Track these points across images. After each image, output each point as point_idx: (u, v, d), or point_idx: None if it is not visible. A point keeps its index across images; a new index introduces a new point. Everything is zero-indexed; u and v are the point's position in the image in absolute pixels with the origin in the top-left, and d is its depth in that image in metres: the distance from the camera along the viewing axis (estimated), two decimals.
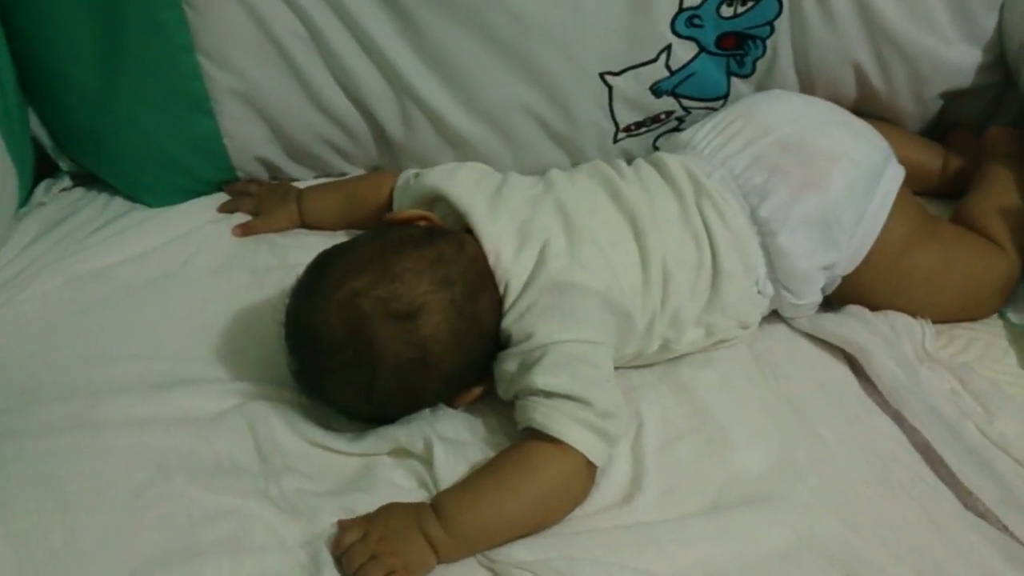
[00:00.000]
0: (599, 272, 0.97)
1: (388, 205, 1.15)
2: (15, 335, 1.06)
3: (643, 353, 1.02)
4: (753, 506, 0.91)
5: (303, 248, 1.15)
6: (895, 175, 1.07)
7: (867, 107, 1.23)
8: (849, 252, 1.04)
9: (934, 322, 1.07)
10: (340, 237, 1.17)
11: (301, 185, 1.25)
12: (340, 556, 0.86)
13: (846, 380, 1.03)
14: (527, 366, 0.93)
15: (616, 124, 1.22)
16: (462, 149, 1.21)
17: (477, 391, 0.99)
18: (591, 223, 1.00)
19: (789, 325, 1.08)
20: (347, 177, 1.26)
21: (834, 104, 1.15)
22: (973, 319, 1.09)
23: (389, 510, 0.89)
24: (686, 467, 0.95)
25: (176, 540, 0.87)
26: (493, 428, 0.99)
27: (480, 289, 0.96)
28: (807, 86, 1.21)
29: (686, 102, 1.21)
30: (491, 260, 0.97)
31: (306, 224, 1.21)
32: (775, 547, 0.88)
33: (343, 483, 0.94)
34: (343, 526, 0.88)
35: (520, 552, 0.86)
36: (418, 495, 0.93)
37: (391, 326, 0.91)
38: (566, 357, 0.93)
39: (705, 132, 1.09)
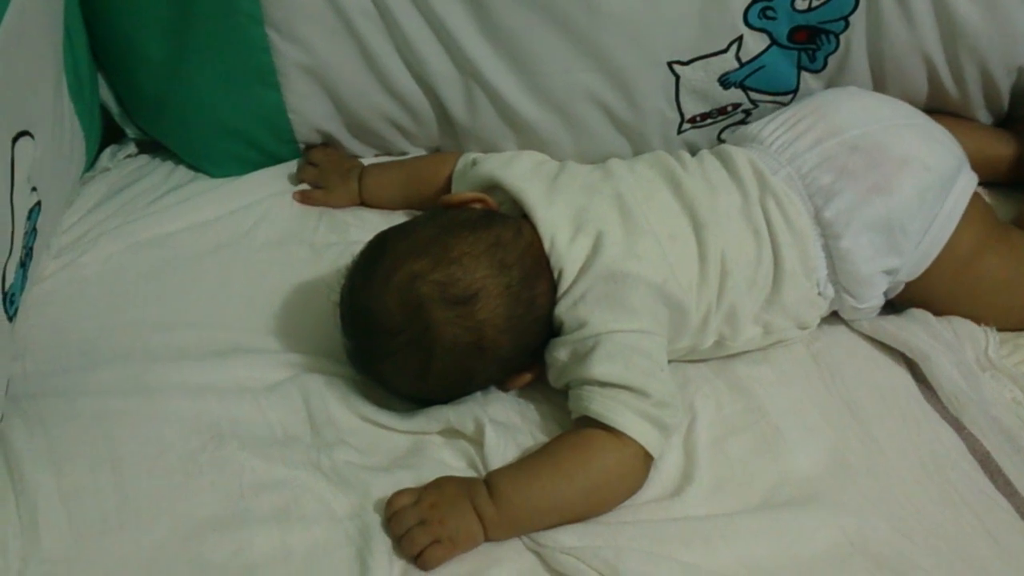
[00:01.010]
0: (656, 264, 0.96)
1: (447, 187, 1.15)
2: (75, 297, 1.08)
3: (697, 348, 1.01)
4: (803, 506, 0.90)
5: (363, 226, 1.17)
6: (968, 183, 1.05)
7: (938, 105, 1.21)
8: (914, 259, 1.02)
9: (999, 329, 1.05)
10: (399, 217, 1.18)
11: (363, 162, 1.25)
12: (390, 518, 0.87)
13: (905, 384, 1.01)
14: (580, 355, 0.93)
15: (682, 114, 1.20)
16: (525, 134, 1.21)
17: (528, 376, 0.98)
18: (649, 214, 0.99)
19: (848, 326, 1.06)
20: (408, 157, 1.25)
21: (909, 105, 1.12)
22: None
23: (443, 482, 0.89)
24: (737, 464, 0.94)
25: (227, 506, 0.88)
26: (545, 415, 0.98)
27: (536, 275, 0.96)
28: (879, 82, 1.19)
29: (754, 95, 1.19)
30: (546, 245, 0.97)
31: (365, 202, 1.21)
32: (824, 548, 0.87)
33: (393, 459, 0.94)
34: (398, 492, 0.88)
35: (567, 538, 0.86)
36: (467, 475, 0.93)
37: (449, 310, 0.91)
38: (620, 347, 0.92)
39: (774, 127, 1.07)
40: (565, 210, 0.99)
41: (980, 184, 1.20)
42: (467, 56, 1.14)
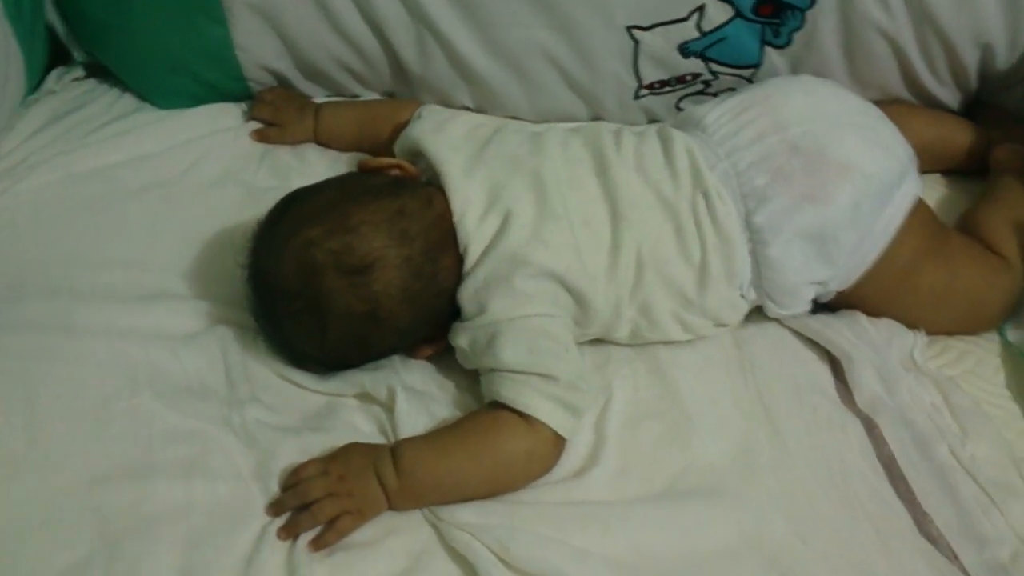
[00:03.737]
0: (561, 251, 0.95)
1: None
2: (7, 228, 1.07)
3: (611, 335, 1.00)
4: (704, 497, 0.90)
5: (305, 171, 1.16)
6: (909, 191, 1.02)
7: (906, 84, 1.19)
8: (845, 270, 1.00)
9: (930, 333, 1.05)
10: (345, 163, 1.17)
11: (317, 100, 1.23)
12: (294, 485, 0.87)
13: (824, 381, 1.01)
14: (483, 343, 0.93)
15: (639, 80, 1.18)
16: (477, 86, 1.19)
17: (430, 349, 0.99)
18: (567, 197, 0.97)
19: None
20: (367, 99, 1.23)
21: (862, 101, 1.09)
22: (972, 333, 1.06)
23: (350, 450, 0.89)
24: (646, 449, 0.94)
25: (135, 456, 0.89)
26: (462, 387, 0.98)
27: (442, 248, 0.95)
28: (847, 61, 1.16)
29: (715, 66, 1.17)
30: (456, 219, 0.95)
31: (319, 140, 1.19)
32: (719, 542, 0.88)
33: (304, 419, 0.95)
34: (303, 463, 0.89)
35: (465, 514, 0.87)
36: (377, 440, 0.93)
37: (342, 279, 0.91)
38: (523, 332, 0.92)
39: (719, 113, 1.04)
40: (481, 185, 0.97)
41: (940, 172, 1.20)
42: (419, 2, 1.11)
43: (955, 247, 1.05)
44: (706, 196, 0.99)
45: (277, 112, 1.19)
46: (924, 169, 1.11)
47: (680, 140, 1.02)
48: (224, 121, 1.20)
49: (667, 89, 1.19)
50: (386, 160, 1.01)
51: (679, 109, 1.22)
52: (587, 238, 0.97)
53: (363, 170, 1.01)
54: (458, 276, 0.96)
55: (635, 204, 0.98)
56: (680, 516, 0.89)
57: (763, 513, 0.89)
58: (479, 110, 1.22)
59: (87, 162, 1.13)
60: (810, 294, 1.02)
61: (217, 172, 1.15)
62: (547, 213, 0.96)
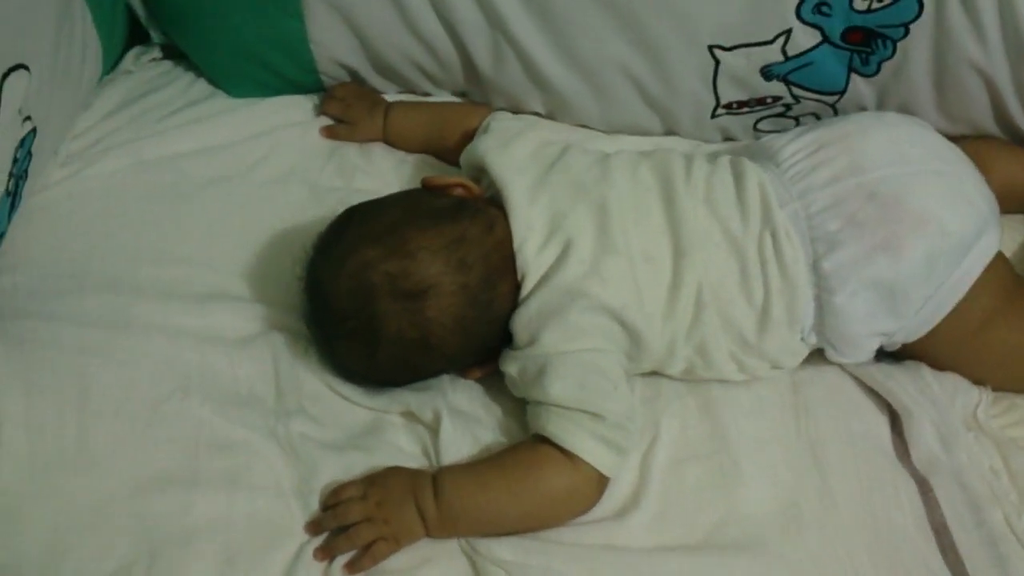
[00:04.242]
0: (620, 287, 0.93)
1: (472, 136, 1.11)
2: (74, 212, 1.08)
3: (664, 371, 0.98)
4: (743, 553, 0.89)
5: (372, 173, 1.15)
6: (987, 247, 0.97)
7: (996, 121, 1.13)
8: (913, 323, 0.97)
9: (997, 390, 1.01)
10: (414, 165, 1.16)
11: (388, 98, 1.21)
12: (333, 506, 0.88)
13: (880, 434, 0.98)
14: (532, 373, 0.92)
15: (717, 99, 1.14)
16: (550, 94, 1.16)
17: (478, 372, 0.98)
18: (630, 231, 0.95)
19: None
20: (438, 101, 1.21)
21: (947, 145, 1.03)
22: None
23: (391, 476, 0.90)
24: (689, 493, 0.93)
25: (180, 463, 0.91)
26: (508, 411, 0.98)
27: (500, 275, 0.94)
28: (935, 96, 1.11)
29: (797, 91, 1.13)
30: (516, 246, 0.94)
31: (388, 139, 1.18)
32: None
33: (349, 436, 0.95)
34: (344, 483, 0.89)
35: (502, 550, 0.87)
36: (420, 462, 0.94)
37: (395, 303, 0.90)
38: (573, 367, 0.91)
39: (795, 148, 1.00)
40: (544, 212, 0.96)
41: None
42: (496, 8, 1.09)
43: None
44: (774, 236, 0.96)
45: (348, 109, 1.18)
46: (1006, 210, 1.06)
47: (753, 174, 0.99)
48: (294, 115, 1.19)
49: (746, 110, 1.16)
50: (450, 178, 0.99)
51: (756, 130, 1.18)
52: (647, 274, 0.94)
53: (427, 187, 0.99)
54: (513, 303, 0.94)
55: (700, 240, 0.95)
56: (717, 571, 0.87)
57: (804, 574, 0.88)
58: (550, 117, 1.20)
59: (156, 150, 1.13)
60: (874, 345, 0.98)
61: (284, 168, 1.14)
62: (608, 247, 0.94)
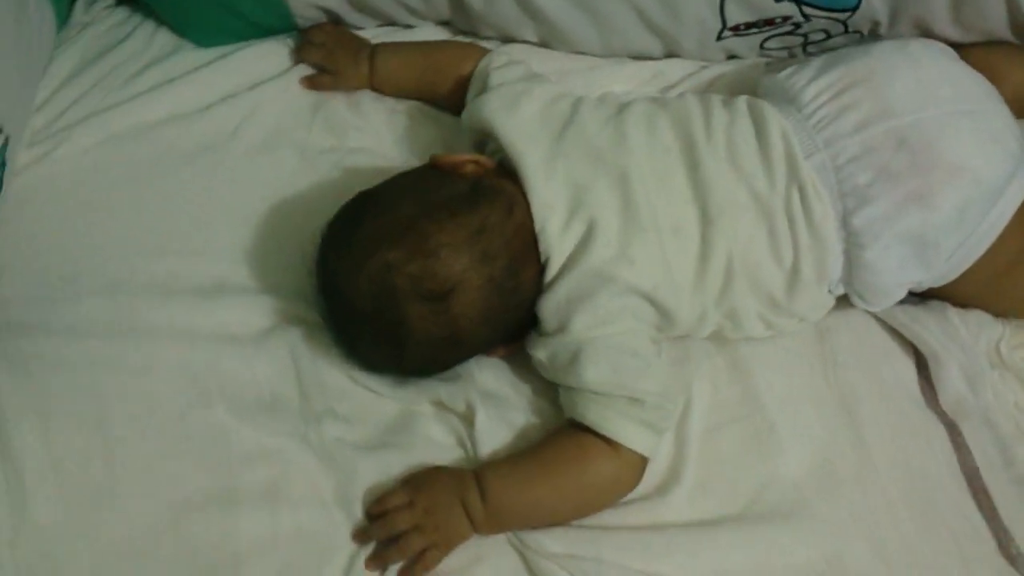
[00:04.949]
0: (649, 268, 0.90)
1: (464, 87, 1.05)
2: (52, 201, 1.01)
3: (693, 336, 0.97)
4: (786, 519, 0.90)
5: (364, 128, 1.09)
6: (1017, 191, 0.94)
7: (1010, 32, 1.07)
8: (942, 271, 0.95)
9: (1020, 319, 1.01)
10: (407, 115, 1.10)
11: (368, 35, 1.13)
12: (379, 514, 0.87)
13: (908, 379, 0.98)
14: (564, 360, 0.90)
15: (724, 22, 1.08)
16: (545, 26, 1.09)
17: (503, 351, 0.96)
18: (655, 202, 0.91)
19: None
20: (427, 41, 1.13)
21: (975, 78, 0.99)
22: None
23: (435, 481, 0.88)
24: (727, 460, 0.93)
25: (216, 480, 0.89)
26: (538, 390, 0.96)
27: (523, 260, 0.90)
28: (950, 4, 1.05)
29: (808, 9, 1.06)
30: (537, 227, 0.90)
31: (375, 86, 1.10)
32: (801, 567, 0.88)
33: (382, 432, 0.93)
34: (389, 491, 0.88)
35: (552, 543, 0.87)
36: (456, 453, 0.93)
37: (423, 305, 0.87)
38: (606, 350, 0.89)
39: (818, 90, 0.95)
40: (563, 187, 0.91)
41: None
42: None
43: None
44: (802, 192, 0.93)
45: (329, 57, 1.09)
46: (1018, 115, 1.02)
47: (775, 122, 0.95)
48: (271, 66, 1.10)
49: (753, 31, 1.09)
50: (461, 157, 0.94)
51: (763, 48, 1.12)
52: (675, 248, 0.91)
53: (437, 166, 0.94)
54: (538, 286, 0.91)
55: (727, 206, 0.92)
56: (762, 540, 0.89)
57: (845, 535, 0.90)
58: (544, 45, 1.13)
59: (128, 118, 1.05)
60: (902, 293, 0.98)
61: (268, 132, 1.07)
62: (634, 224, 0.91)
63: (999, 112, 0.97)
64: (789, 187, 0.93)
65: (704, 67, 1.14)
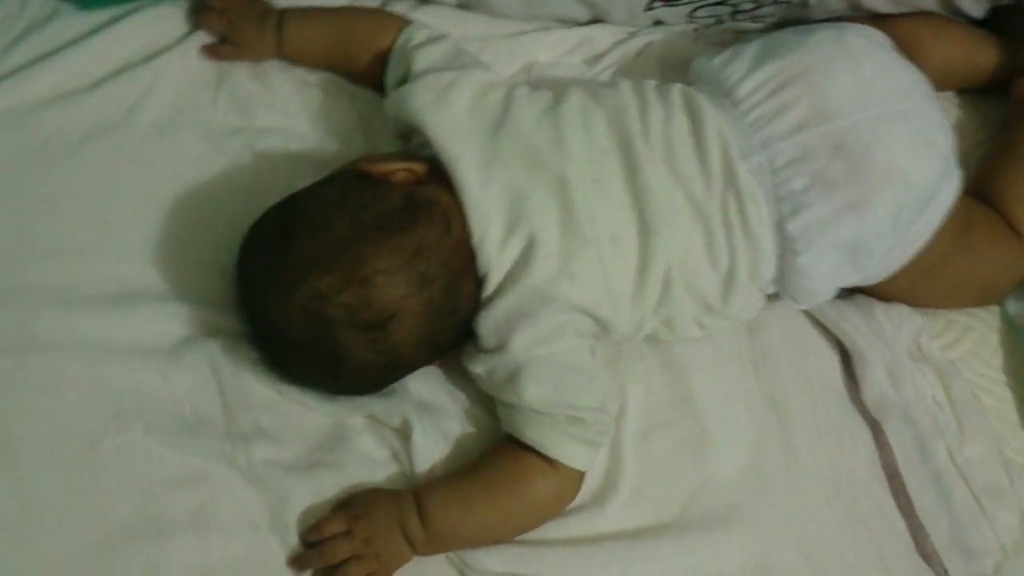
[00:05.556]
0: (590, 284, 0.88)
1: (382, 62, 0.99)
2: None
3: (628, 341, 0.95)
4: (719, 523, 0.92)
5: (273, 105, 1.02)
6: (947, 196, 0.95)
7: (936, 4, 1.07)
8: (871, 274, 0.96)
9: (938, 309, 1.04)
10: (315, 86, 1.02)
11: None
12: (318, 543, 0.84)
13: (833, 375, 1.00)
14: (503, 376, 0.87)
15: None
16: None
17: (439, 362, 0.93)
18: (594, 206, 0.88)
19: None
20: (339, 8, 1.04)
21: (910, 70, 0.97)
22: (979, 307, 1.05)
23: (374, 505, 0.86)
24: (661, 464, 0.94)
25: (140, 507, 0.84)
26: (473, 398, 0.94)
27: (462, 278, 0.86)
28: None
29: None
30: (475, 241, 0.86)
31: (284, 55, 1.02)
32: (733, 573, 0.90)
33: (313, 449, 0.90)
34: (326, 517, 0.86)
35: (492, 562, 0.87)
36: (391, 468, 0.91)
37: (359, 334, 0.83)
38: (547, 369, 0.87)
39: (754, 85, 0.92)
40: (501, 196, 0.87)
41: (961, 92, 1.13)
42: None
43: (979, 233, 1.00)
44: (738, 197, 0.91)
45: (231, 27, 1.00)
46: (941, 88, 1.05)
47: (712, 122, 0.92)
48: (165, 33, 1.00)
49: (683, 1, 1.04)
50: (391, 165, 0.87)
51: (692, 17, 1.07)
52: (614, 257, 0.89)
53: (365, 175, 0.87)
54: (476, 301, 0.88)
55: (665, 214, 0.89)
56: (696, 547, 0.90)
57: (775, 537, 0.92)
58: (463, 7, 1.06)
59: (9, 97, 0.95)
60: (832, 293, 0.98)
61: (167, 110, 0.98)
62: (575, 236, 0.87)
63: (931, 110, 0.97)
64: (725, 192, 0.91)
65: (632, 34, 1.09)
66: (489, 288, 0.87)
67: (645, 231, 0.89)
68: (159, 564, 0.82)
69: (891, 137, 0.92)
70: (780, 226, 0.92)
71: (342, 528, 0.85)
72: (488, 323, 0.87)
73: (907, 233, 0.94)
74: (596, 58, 1.09)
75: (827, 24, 1.02)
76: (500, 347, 0.87)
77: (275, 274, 0.83)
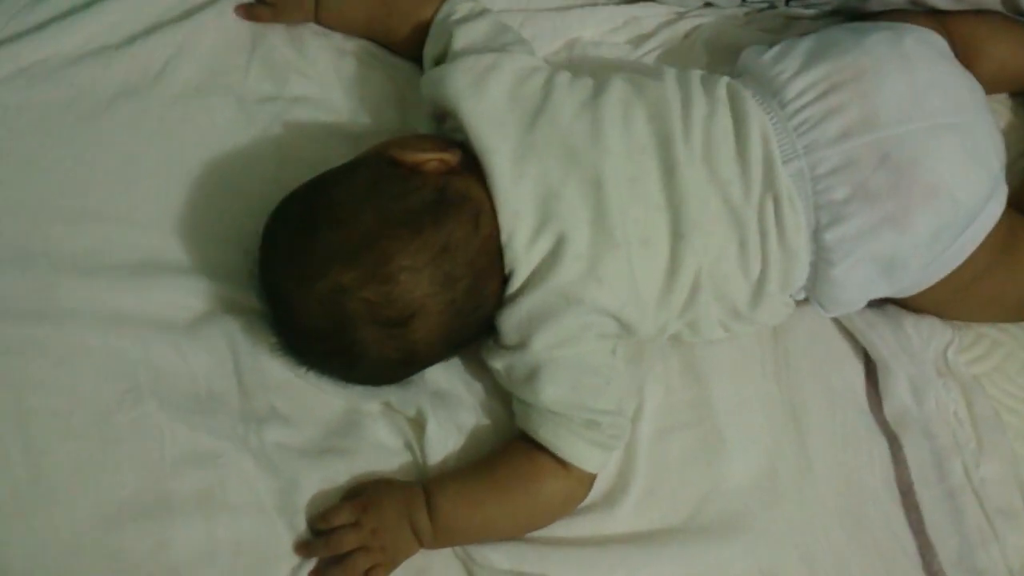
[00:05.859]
0: (617, 287, 0.86)
1: (422, 34, 0.96)
2: None
3: (652, 341, 0.94)
4: (726, 531, 0.91)
5: (307, 72, 1.00)
6: (991, 213, 0.91)
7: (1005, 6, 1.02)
8: (905, 287, 0.94)
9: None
10: (351, 55, 0.99)
11: None
12: (326, 532, 0.85)
13: (856, 384, 0.98)
14: (521, 374, 0.86)
15: None
16: None
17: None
18: (627, 208, 0.86)
19: None
20: None
21: (966, 78, 0.93)
22: (1012, 323, 1.02)
23: (383, 499, 0.86)
24: (673, 467, 0.93)
25: (149, 485, 0.84)
26: (490, 390, 0.93)
27: (487, 277, 0.85)
28: None
29: None
30: (503, 238, 0.85)
31: (321, 21, 0.99)
32: None
33: (326, 434, 0.89)
34: (335, 507, 0.86)
35: (499, 559, 0.87)
36: (403, 457, 0.91)
37: (378, 330, 0.82)
38: (566, 369, 0.86)
39: (803, 86, 0.89)
40: (533, 191, 0.85)
41: (1008, 94, 1.09)
42: None
43: (1020, 249, 0.96)
44: (776, 202, 0.88)
45: None
46: (993, 91, 1.02)
47: (756, 122, 0.89)
48: None
49: None
50: (424, 155, 0.85)
51: (744, 2, 1.03)
52: (643, 261, 0.87)
53: (397, 162, 0.85)
54: (499, 298, 0.86)
55: (699, 218, 0.87)
56: (702, 554, 0.90)
57: (781, 547, 0.92)
58: None
59: (37, 51, 0.93)
60: (862, 304, 0.96)
61: (198, 73, 0.96)
62: (605, 238, 0.85)
63: (984, 124, 0.93)
64: (764, 196, 0.88)
65: (681, 15, 1.06)
66: (514, 285, 0.85)
67: (677, 234, 0.87)
68: (165, 542, 0.83)
69: (940, 152, 0.89)
70: (817, 235, 0.90)
71: (350, 519, 0.85)
72: (511, 320, 0.86)
73: (946, 250, 0.91)
74: (642, 39, 1.05)
75: (885, 24, 0.97)
76: (521, 345, 0.86)
77: (297, 264, 0.81)
